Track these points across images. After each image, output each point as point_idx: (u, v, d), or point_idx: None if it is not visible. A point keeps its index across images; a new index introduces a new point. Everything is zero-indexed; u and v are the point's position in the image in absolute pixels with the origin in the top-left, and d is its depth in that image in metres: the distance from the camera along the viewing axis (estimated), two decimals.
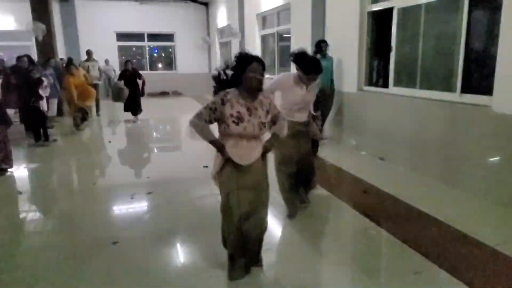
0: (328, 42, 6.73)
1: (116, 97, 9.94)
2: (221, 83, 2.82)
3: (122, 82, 9.79)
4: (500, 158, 4.08)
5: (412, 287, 2.74)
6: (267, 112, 2.73)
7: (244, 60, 2.61)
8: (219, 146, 2.65)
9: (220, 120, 2.61)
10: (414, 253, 3.09)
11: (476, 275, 2.75)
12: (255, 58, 2.62)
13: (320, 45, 6.61)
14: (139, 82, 10.01)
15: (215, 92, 2.80)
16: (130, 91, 9.77)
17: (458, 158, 4.54)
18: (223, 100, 2.57)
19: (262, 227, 2.85)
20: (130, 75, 9.82)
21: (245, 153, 2.68)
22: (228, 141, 2.64)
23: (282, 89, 3.79)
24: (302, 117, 3.85)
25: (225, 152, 2.63)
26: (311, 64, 3.61)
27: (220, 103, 2.56)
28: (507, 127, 3.94)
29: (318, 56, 6.25)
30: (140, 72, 10.37)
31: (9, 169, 5.64)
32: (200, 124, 2.60)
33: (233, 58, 2.72)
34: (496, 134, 4.08)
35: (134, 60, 16.70)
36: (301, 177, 3.99)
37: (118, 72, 11.78)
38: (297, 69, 3.75)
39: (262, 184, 2.81)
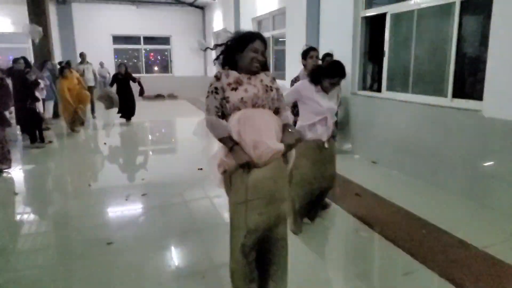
0: (332, 53, 6.30)
1: (109, 104, 9.93)
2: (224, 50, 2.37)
3: (110, 88, 9.81)
4: (489, 162, 4.15)
5: (400, 285, 2.78)
6: (273, 79, 2.35)
7: (245, 37, 2.22)
8: (230, 145, 2.16)
9: (222, 100, 2.22)
10: (404, 255, 3.15)
11: (464, 277, 2.80)
12: (258, 35, 2.23)
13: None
14: (135, 85, 9.99)
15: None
16: (122, 94, 9.75)
17: (449, 162, 4.61)
18: (217, 75, 2.24)
19: (282, 251, 2.33)
20: (122, 79, 9.81)
21: (257, 131, 2.13)
22: (231, 118, 2.19)
23: (301, 98, 3.40)
24: (326, 132, 3.42)
25: (237, 154, 2.12)
26: (335, 67, 3.31)
27: (215, 79, 2.23)
28: (497, 131, 4.02)
29: None
30: (137, 75, 10.40)
31: (7, 170, 5.69)
32: (209, 118, 2.22)
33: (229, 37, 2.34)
34: (486, 139, 4.15)
35: (130, 63, 16.77)
36: (317, 201, 3.70)
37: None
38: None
39: (282, 193, 2.23)
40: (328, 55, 6.27)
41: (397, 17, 5.68)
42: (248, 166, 2.12)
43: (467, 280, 2.76)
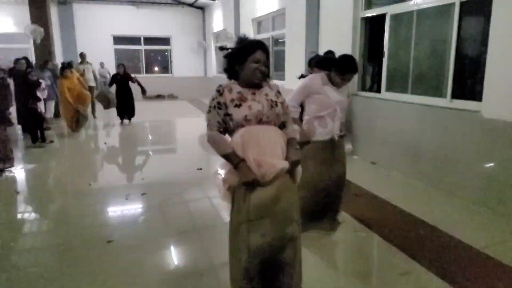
0: (333, 52, 5.84)
1: (106, 105, 9.92)
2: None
3: (108, 88, 9.82)
4: (488, 163, 4.17)
5: (396, 286, 2.80)
6: (278, 92, 2.26)
7: (245, 47, 2.14)
8: (235, 162, 2.05)
9: (225, 116, 2.13)
10: (402, 255, 3.16)
11: (463, 277, 2.82)
12: (259, 45, 2.14)
13: (311, 61, 5.71)
14: (136, 85, 9.98)
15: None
16: (121, 95, 9.74)
17: (448, 162, 4.63)
18: (219, 90, 2.13)
19: (291, 278, 2.14)
20: (121, 79, 9.78)
21: (262, 148, 2.05)
22: (234, 136, 2.11)
23: (311, 93, 3.25)
24: (335, 126, 3.28)
25: (242, 171, 2.03)
26: (347, 62, 3.15)
27: (218, 94, 2.12)
28: (496, 132, 4.04)
29: None
30: (137, 75, 10.39)
31: (10, 168, 5.74)
32: (211, 134, 2.12)
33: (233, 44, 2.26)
34: (485, 139, 4.17)
35: (131, 63, 16.79)
36: (326, 206, 3.45)
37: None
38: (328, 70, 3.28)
39: (288, 213, 2.10)
40: (329, 52, 5.87)
41: (396, 18, 5.70)
42: (252, 184, 2.02)
43: (465, 281, 2.78)
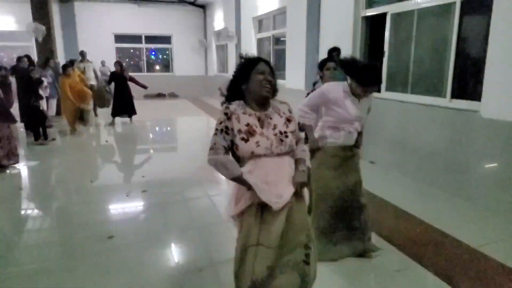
0: (339, 48, 5.68)
1: (100, 103, 9.84)
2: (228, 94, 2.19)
3: (106, 86, 9.79)
4: (486, 163, 4.21)
5: (393, 283, 2.83)
6: (287, 120, 2.12)
7: (247, 63, 2.08)
8: (248, 184, 1.96)
9: (232, 143, 2.04)
10: (398, 252, 3.20)
11: (457, 274, 2.85)
12: (259, 58, 2.11)
13: (332, 54, 5.50)
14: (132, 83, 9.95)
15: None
16: (119, 93, 9.69)
17: (446, 161, 4.66)
18: (227, 114, 2.01)
19: None
20: (118, 77, 9.72)
21: (272, 177, 1.99)
22: (243, 168, 2.01)
23: (328, 103, 2.98)
24: (350, 138, 3.04)
25: (254, 192, 1.95)
26: (369, 72, 2.80)
27: (225, 117, 2.01)
28: (494, 132, 4.07)
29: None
30: (138, 73, 10.37)
31: (15, 164, 5.82)
32: (216, 158, 1.99)
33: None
34: (484, 139, 4.20)
35: (132, 62, 16.83)
36: (346, 218, 3.13)
37: None
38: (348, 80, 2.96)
39: (300, 237, 2.02)
40: (334, 49, 5.60)
41: (397, 17, 5.73)
42: (265, 206, 1.96)
43: (459, 278, 2.82)
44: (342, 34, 6.72)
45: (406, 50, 5.57)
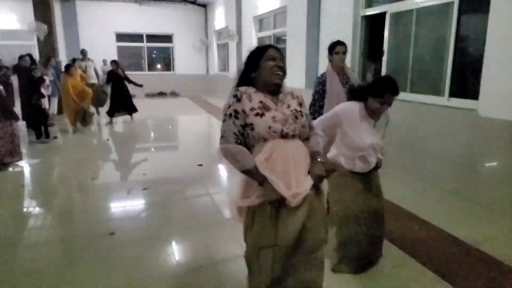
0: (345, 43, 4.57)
1: (96, 103, 9.86)
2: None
3: (104, 85, 9.81)
4: (483, 161, 4.24)
5: (389, 278, 2.86)
6: (299, 104, 2.03)
7: (256, 50, 1.99)
8: (260, 179, 1.83)
9: (244, 127, 1.89)
10: (396, 248, 3.23)
11: (455, 271, 2.89)
12: (269, 45, 2.01)
13: (335, 49, 4.00)
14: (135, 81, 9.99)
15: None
16: (116, 92, 9.67)
17: (443, 159, 4.70)
18: (236, 95, 1.89)
19: None
20: (114, 76, 9.68)
21: (288, 167, 1.86)
22: (258, 155, 1.85)
23: (343, 125, 2.70)
24: (366, 166, 2.76)
25: (269, 188, 1.82)
26: (383, 80, 2.64)
27: (235, 100, 1.88)
28: (491, 130, 4.11)
29: None
30: (139, 72, 10.35)
31: (18, 162, 5.89)
32: (228, 147, 1.85)
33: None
34: (481, 138, 4.24)
35: (133, 61, 16.88)
36: (372, 245, 2.90)
37: None
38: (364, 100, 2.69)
39: (319, 235, 1.96)
40: (339, 43, 4.00)
41: (396, 16, 5.76)
42: (279, 203, 1.86)
43: (456, 274, 2.86)
44: (342, 33, 6.73)
45: (405, 49, 5.61)
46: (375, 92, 2.58)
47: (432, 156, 4.88)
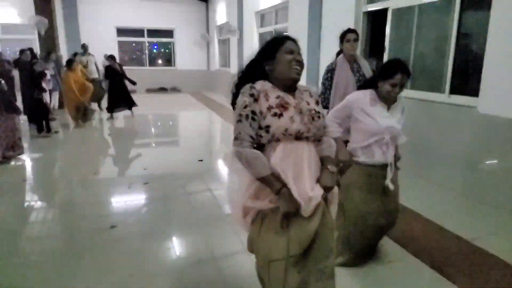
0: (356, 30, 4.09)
1: (94, 98, 9.84)
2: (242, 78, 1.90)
3: (104, 80, 9.80)
4: (482, 158, 4.25)
5: (386, 274, 2.88)
6: (316, 102, 1.91)
7: (272, 41, 1.85)
8: (277, 187, 1.70)
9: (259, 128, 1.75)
10: (393, 244, 3.25)
11: (452, 267, 2.91)
12: (287, 36, 1.85)
13: (346, 36, 3.83)
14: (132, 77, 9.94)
15: (234, 100, 1.87)
16: (114, 87, 9.64)
17: (444, 157, 4.71)
18: (253, 94, 1.73)
19: None
20: (112, 71, 9.65)
21: (301, 172, 1.74)
22: (272, 153, 1.74)
23: (353, 112, 2.65)
24: (385, 155, 2.64)
25: (285, 199, 1.69)
26: (391, 62, 2.61)
27: (252, 100, 1.72)
28: (491, 127, 4.12)
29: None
30: (140, 67, 10.32)
31: (20, 156, 5.92)
32: (244, 152, 1.70)
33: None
34: (480, 134, 4.25)
35: (134, 56, 16.87)
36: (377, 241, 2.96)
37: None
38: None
39: (332, 242, 1.89)
40: (350, 30, 3.86)
41: (398, 12, 5.75)
42: (293, 215, 1.73)
43: (452, 269, 2.88)
44: (343, 29, 6.71)
45: (406, 45, 5.60)
46: (385, 74, 2.51)
47: (431, 153, 4.88)
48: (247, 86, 1.76)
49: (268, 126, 1.71)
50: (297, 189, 1.70)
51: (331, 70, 3.78)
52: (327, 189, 1.79)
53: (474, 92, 4.42)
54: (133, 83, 9.96)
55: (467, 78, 4.92)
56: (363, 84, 2.83)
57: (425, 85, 5.29)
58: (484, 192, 4.16)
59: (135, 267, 2.94)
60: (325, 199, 1.85)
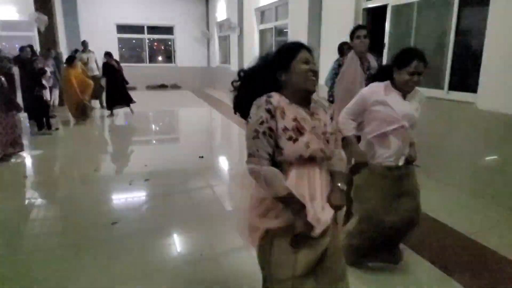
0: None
1: (94, 95, 9.80)
2: (244, 81, 1.81)
3: (101, 77, 9.80)
4: (480, 153, 4.27)
5: (385, 271, 2.89)
6: (331, 118, 1.81)
7: (287, 50, 1.71)
8: (297, 208, 1.63)
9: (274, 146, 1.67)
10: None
11: (451, 262, 2.94)
12: (302, 44, 1.73)
13: (343, 47, 5.23)
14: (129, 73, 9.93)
15: (236, 100, 1.82)
16: (111, 84, 9.59)
17: (442, 151, 4.73)
18: (270, 110, 1.61)
19: None
20: (109, 68, 9.59)
21: (317, 193, 1.69)
22: (290, 178, 1.66)
23: (368, 105, 2.53)
24: (401, 149, 2.53)
25: (302, 220, 1.62)
26: (406, 50, 2.54)
27: (269, 116, 1.61)
28: (489, 123, 4.14)
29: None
30: (140, 64, 10.29)
31: (20, 152, 5.93)
32: (261, 170, 1.61)
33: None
34: (480, 130, 4.27)
35: (134, 53, 16.84)
36: (388, 241, 2.76)
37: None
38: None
39: (343, 264, 1.85)
40: (344, 44, 5.08)
41: (397, 9, 5.76)
42: (306, 236, 1.66)
43: (453, 264, 2.91)
44: (343, 25, 6.72)
45: (406, 42, 5.61)
46: (401, 63, 2.42)
47: (430, 149, 4.88)
48: (263, 99, 1.64)
49: (282, 149, 1.64)
50: (313, 210, 1.64)
51: (340, 65, 3.86)
52: (337, 208, 1.75)
53: (473, 88, 4.44)
54: (126, 82, 9.90)
55: (466, 74, 4.93)
56: (376, 75, 2.75)
57: (425, 81, 5.28)
58: (483, 188, 4.18)
59: (136, 263, 2.97)
60: (334, 219, 1.80)
